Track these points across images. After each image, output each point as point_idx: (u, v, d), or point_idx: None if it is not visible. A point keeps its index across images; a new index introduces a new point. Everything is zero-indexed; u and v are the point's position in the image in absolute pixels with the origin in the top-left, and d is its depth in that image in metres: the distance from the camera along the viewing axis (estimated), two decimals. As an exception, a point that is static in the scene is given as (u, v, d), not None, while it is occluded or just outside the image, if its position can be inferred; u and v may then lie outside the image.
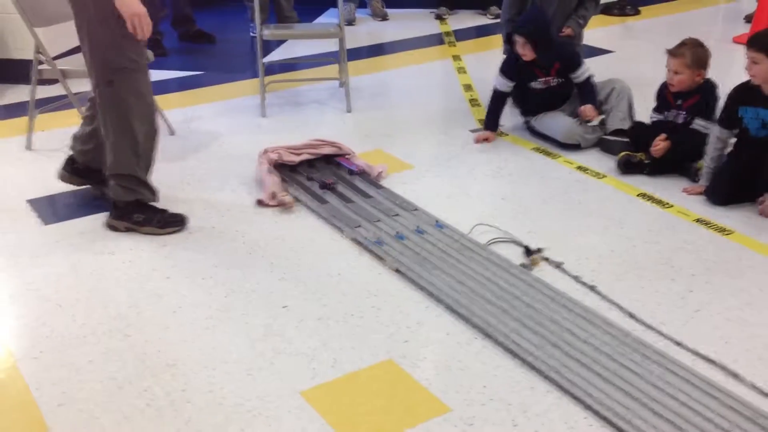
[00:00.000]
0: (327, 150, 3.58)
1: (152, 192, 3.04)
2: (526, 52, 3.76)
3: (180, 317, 2.47)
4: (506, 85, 3.87)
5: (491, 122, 3.91)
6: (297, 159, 3.47)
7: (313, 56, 5.04)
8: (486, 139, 3.85)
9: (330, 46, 4.57)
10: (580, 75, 3.81)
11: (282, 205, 3.17)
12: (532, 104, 3.92)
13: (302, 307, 2.53)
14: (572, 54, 3.88)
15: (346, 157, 3.57)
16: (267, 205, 3.17)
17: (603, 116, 3.78)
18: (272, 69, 4.86)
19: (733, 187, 3.16)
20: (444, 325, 2.44)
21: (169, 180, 3.37)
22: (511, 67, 3.86)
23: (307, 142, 3.60)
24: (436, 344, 2.35)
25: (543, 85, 3.84)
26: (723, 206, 3.16)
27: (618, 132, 3.68)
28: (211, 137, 3.92)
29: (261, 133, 3.95)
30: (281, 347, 2.32)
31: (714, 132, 3.24)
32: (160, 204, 3.07)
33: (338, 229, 3.02)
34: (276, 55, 5.27)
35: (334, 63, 4.51)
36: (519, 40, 3.75)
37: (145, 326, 2.42)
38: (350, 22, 5.97)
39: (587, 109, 3.72)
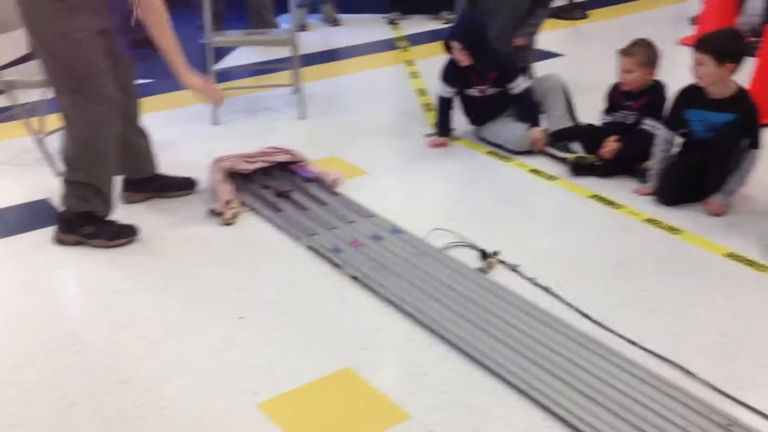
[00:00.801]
0: (281, 158, 3.56)
1: (107, 206, 2.98)
2: (462, 58, 3.77)
3: (132, 332, 2.43)
4: (447, 91, 3.89)
5: (442, 128, 3.93)
6: (251, 167, 3.44)
7: (266, 62, 5.01)
8: (441, 145, 3.86)
9: (283, 52, 4.55)
10: (515, 87, 3.82)
11: (235, 216, 3.14)
12: (472, 112, 3.94)
13: (259, 318, 2.50)
14: (510, 65, 3.86)
15: (301, 164, 3.55)
16: (221, 214, 3.13)
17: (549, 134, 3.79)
18: (225, 76, 4.81)
19: (680, 188, 3.22)
20: (402, 332, 2.43)
21: (119, 190, 3.31)
22: (449, 73, 3.87)
23: (261, 150, 3.58)
24: (395, 351, 2.35)
25: (479, 93, 3.86)
26: (672, 206, 3.21)
27: (561, 132, 3.71)
28: (162, 146, 3.85)
29: (214, 142, 3.90)
30: (238, 359, 2.29)
31: (660, 133, 3.30)
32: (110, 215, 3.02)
33: (294, 237, 3.00)
34: (228, 62, 5.22)
35: (288, 69, 4.49)
36: (455, 45, 3.76)
37: (97, 342, 2.37)
38: (302, 28, 5.95)
39: (536, 141, 3.75)
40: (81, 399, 2.12)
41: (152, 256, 2.89)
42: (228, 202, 3.15)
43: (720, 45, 3.05)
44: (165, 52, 2.89)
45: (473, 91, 3.86)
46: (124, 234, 2.97)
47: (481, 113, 3.90)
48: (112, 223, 2.99)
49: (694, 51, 3.12)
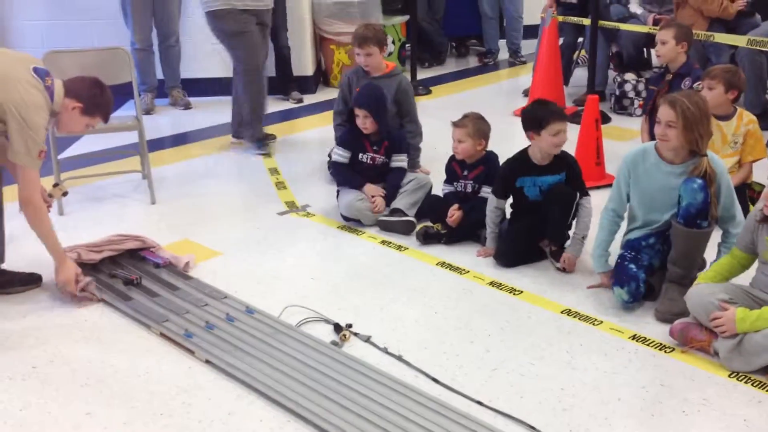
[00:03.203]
0: (130, 245, 3.50)
1: None
2: (367, 125, 3.95)
3: (-31, 439, 2.30)
4: (344, 156, 4.02)
5: (354, 181, 3.98)
6: (98, 257, 3.37)
7: (113, 149, 4.93)
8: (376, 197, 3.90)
9: (131, 137, 4.51)
10: (397, 160, 4.06)
11: (88, 299, 3.12)
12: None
13: (107, 413, 2.43)
14: (401, 138, 4.17)
15: (151, 249, 3.51)
16: (79, 297, 3.11)
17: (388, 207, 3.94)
18: (69, 165, 4.68)
19: (516, 249, 3.44)
20: (256, 412, 2.43)
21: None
22: (346, 138, 4.07)
23: (109, 238, 3.51)
24: (249, 433, 2.34)
25: (370, 161, 4.02)
26: (511, 267, 3.41)
27: (397, 212, 3.84)
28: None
29: (60, 232, 3.75)
30: (85, 458, 2.21)
31: (491, 202, 3.52)
32: None
33: (145, 325, 2.95)
34: (72, 151, 5.09)
35: (136, 155, 4.45)
36: (360, 113, 3.94)
37: (-71, 455, 2.23)
38: (148, 112, 5.92)
39: (370, 187, 3.93)
40: None
41: (-9, 356, 2.76)
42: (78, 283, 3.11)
43: (528, 120, 3.37)
44: (43, 241, 3.08)
45: (365, 157, 4.02)
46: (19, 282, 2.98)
47: (367, 180, 4.01)
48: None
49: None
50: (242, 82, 4.92)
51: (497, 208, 3.50)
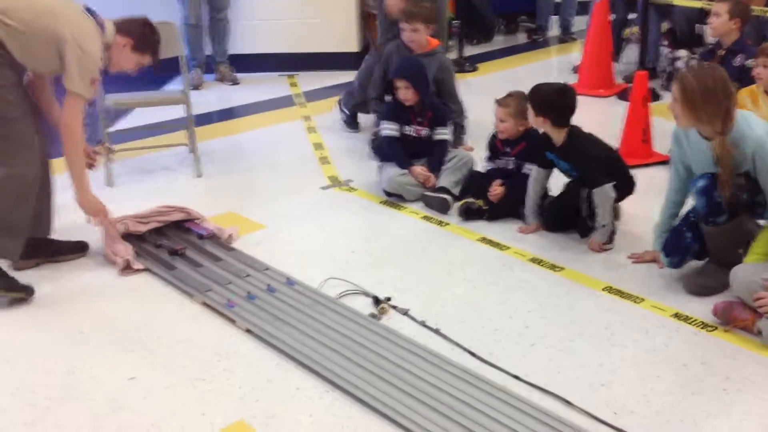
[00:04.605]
0: (176, 216, 3.57)
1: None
2: (408, 96, 3.94)
3: (19, 399, 2.38)
4: (392, 129, 4.01)
5: (403, 160, 3.96)
6: (144, 228, 3.44)
7: (161, 123, 5.01)
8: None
9: (179, 112, 4.57)
10: (440, 133, 4.03)
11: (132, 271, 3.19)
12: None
13: (149, 377, 2.49)
14: (443, 110, 4.17)
15: (196, 221, 3.57)
16: (128, 272, 3.17)
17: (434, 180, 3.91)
18: (118, 138, 4.77)
19: (556, 212, 3.47)
20: (294, 381, 2.47)
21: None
22: (391, 111, 4.06)
23: (155, 210, 3.58)
24: (286, 400, 2.38)
25: (415, 134, 4.01)
26: (551, 231, 3.44)
27: (442, 189, 3.81)
28: (56, 210, 3.81)
29: (109, 203, 3.85)
30: (128, 421, 2.28)
31: (533, 172, 3.50)
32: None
33: (188, 294, 3.01)
34: (121, 125, 5.19)
35: (183, 129, 4.52)
36: (402, 84, 3.93)
37: (-19, 412, 2.32)
38: (196, 87, 5.98)
39: (416, 169, 3.90)
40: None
41: (43, 320, 2.85)
42: (128, 262, 3.18)
43: (537, 99, 3.33)
44: (69, 168, 3.14)
45: (410, 130, 4.01)
46: (18, 288, 2.97)
47: (410, 155, 4.01)
48: (11, 278, 3.00)
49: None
50: None
51: (536, 179, 3.49)
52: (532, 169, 3.53)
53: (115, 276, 3.17)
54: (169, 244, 3.39)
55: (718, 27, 4.34)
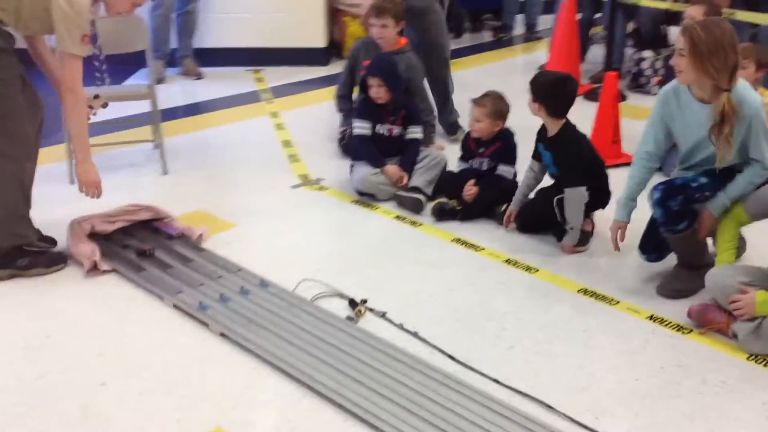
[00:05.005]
0: (143, 215, 3.48)
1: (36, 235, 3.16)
2: (381, 95, 3.90)
3: (-15, 407, 2.30)
4: (364, 127, 3.96)
5: (376, 160, 3.90)
6: (111, 228, 3.35)
7: (125, 118, 4.90)
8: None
9: (143, 107, 4.47)
10: (413, 132, 4.00)
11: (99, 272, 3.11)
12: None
13: (122, 383, 2.42)
14: (415, 108, 4.15)
15: (164, 221, 3.49)
16: (95, 274, 3.10)
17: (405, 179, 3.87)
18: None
19: (530, 214, 3.46)
20: (272, 386, 2.42)
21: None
22: (363, 109, 4.00)
23: (122, 208, 3.48)
24: (264, 406, 2.34)
25: (387, 133, 3.97)
26: (524, 233, 3.45)
27: (415, 189, 3.78)
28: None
29: (71, 202, 3.74)
30: (101, 428, 2.21)
31: (529, 164, 3.50)
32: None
33: (158, 296, 2.94)
34: (86, 119, 5.06)
35: (148, 124, 4.42)
36: (374, 83, 3.89)
37: (-55, 421, 2.23)
38: (160, 81, 5.87)
39: (390, 169, 3.86)
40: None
41: (9, 324, 2.75)
42: (95, 263, 3.11)
43: (536, 85, 3.31)
44: (72, 136, 3.20)
45: (382, 129, 3.97)
46: (59, 260, 3.14)
47: (382, 154, 3.97)
48: (44, 252, 3.16)
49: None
50: None
51: (530, 168, 3.48)
52: (510, 174, 3.52)
53: (82, 277, 3.09)
54: (137, 244, 3.31)
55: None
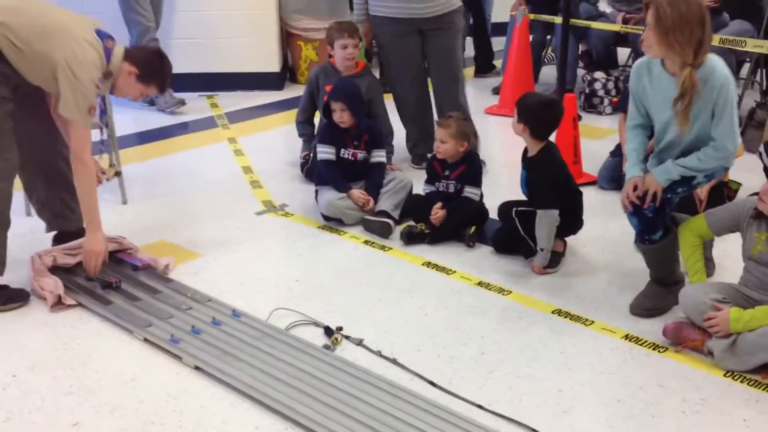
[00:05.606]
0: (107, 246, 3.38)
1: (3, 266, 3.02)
2: (344, 119, 3.87)
3: (-49, 454, 2.18)
4: (328, 152, 3.92)
5: (341, 184, 3.86)
6: (73, 261, 3.24)
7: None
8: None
9: (96, 135, 4.37)
10: (377, 156, 3.99)
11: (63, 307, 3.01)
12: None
13: (95, 422, 2.34)
14: (379, 132, 4.14)
15: (128, 252, 3.40)
16: (59, 308, 2.99)
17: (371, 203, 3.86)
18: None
19: (501, 234, 3.50)
20: (252, 420, 2.37)
21: None
22: (326, 134, 3.96)
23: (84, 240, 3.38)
24: (246, 442, 2.28)
25: (351, 157, 3.94)
26: (498, 252, 3.48)
27: (382, 213, 3.76)
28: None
29: (28, 235, 3.63)
30: (77, 471, 2.12)
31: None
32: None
33: (127, 330, 2.85)
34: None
35: (105, 153, 4.32)
36: (336, 107, 3.86)
37: None
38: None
39: (355, 193, 3.84)
40: None
41: (-34, 365, 2.63)
42: (59, 297, 3.00)
43: (523, 105, 3.34)
44: (81, 205, 3.17)
45: (346, 153, 3.94)
46: (17, 298, 3.00)
47: (347, 178, 3.93)
48: (5, 287, 2.99)
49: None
50: None
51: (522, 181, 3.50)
52: (477, 196, 3.53)
53: (46, 312, 2.98)
54: (102, 277, 3.21)
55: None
